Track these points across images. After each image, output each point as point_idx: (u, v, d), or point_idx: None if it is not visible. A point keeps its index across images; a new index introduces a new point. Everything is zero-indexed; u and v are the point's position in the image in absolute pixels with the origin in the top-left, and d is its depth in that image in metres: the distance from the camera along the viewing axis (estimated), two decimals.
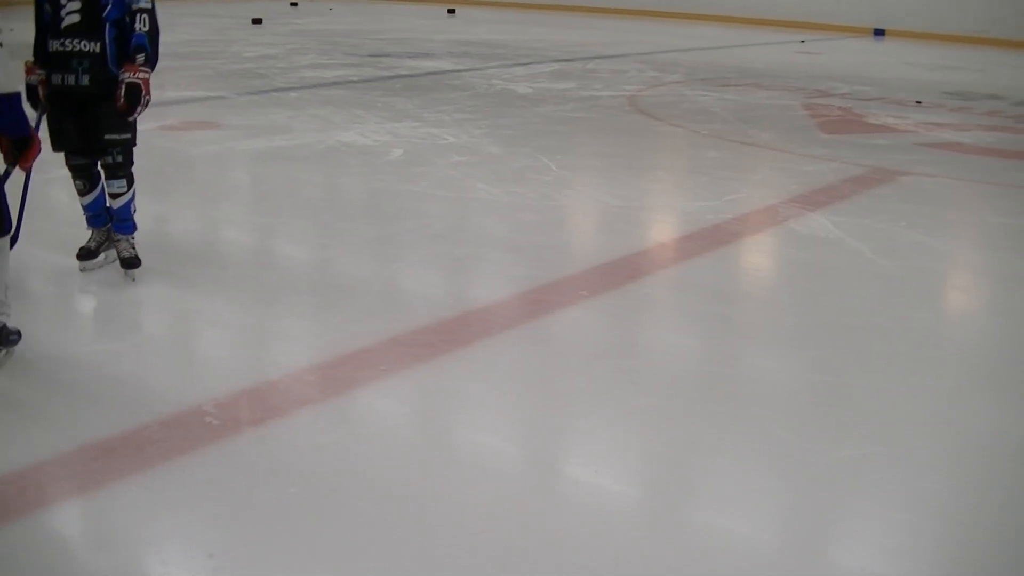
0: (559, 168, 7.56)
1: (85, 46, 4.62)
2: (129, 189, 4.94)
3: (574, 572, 2.77)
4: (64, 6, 4.60)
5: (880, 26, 23.65)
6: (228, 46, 14.92)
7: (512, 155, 7.96)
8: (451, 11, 24.25)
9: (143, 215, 5.27)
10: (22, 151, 3.87)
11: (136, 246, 5.01)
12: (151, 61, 4.71)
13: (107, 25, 4.63)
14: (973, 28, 22.45)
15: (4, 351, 3.95)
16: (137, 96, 4.63)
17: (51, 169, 5.59)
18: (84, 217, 5.06)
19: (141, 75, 4.63)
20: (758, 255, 5.96)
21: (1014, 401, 4.03)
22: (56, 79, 4.67)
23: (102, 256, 5.09)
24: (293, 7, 23.72)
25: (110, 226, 5.04)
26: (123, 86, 4.61)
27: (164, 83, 10.41)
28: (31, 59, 4.72)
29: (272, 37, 16.54)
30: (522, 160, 7.79)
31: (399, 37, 17.43)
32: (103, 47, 4.64)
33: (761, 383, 4.13)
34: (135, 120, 4.80)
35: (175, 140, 8.04)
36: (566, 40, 18.25)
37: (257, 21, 18.76)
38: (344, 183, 7.08)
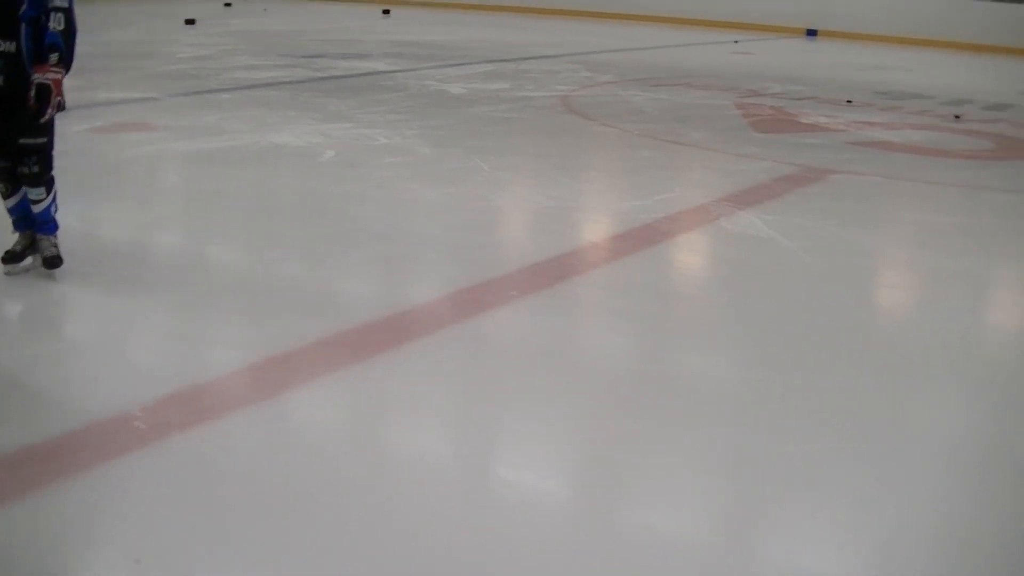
0: (492, 169, 7.56)
1: (0, 46, 4.54)
2: (48, 194, 4.84)
3: (508, 571, 2.78)
4: None
5: (813, 27, 23.84)
6: (161, 47, 14.78)
7: (445, 156, 7.95)
8: (386, 12, 24.16)
9: (72, 218, 5.22)
10: None
11: (59, 245, 4.93)
12: (65, 61, 4.62)
13: (23, 24, 4.54)
14: (903, 29, 22.68)
15: None
16: (47, 97, 4.52)
17: None
18: (10, 220, 4.97)
19: (52, 75, 4.52)
20: (690, 254, 6.00)
21: (947, 392, 4.10)
22: None
23: (28, 259, 5.00)
24: (227, 8, 23.53)
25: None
26: (34, 87, 4.53)
27: (95, 84, 10.33)
28: None
29: (205, 38, 16.42)
30: (455, 161, 7.78)
31: (333, 38, 17.36)
32: (19, 47, 4.56)
33: (695, 381, 4.15)
34: (51, 122, 4.71)
35: (106, 142, 7.95)
36: (500, 40, 18.26)
37: (190, 22, 18.60)
38: (277, 185, 7.04)
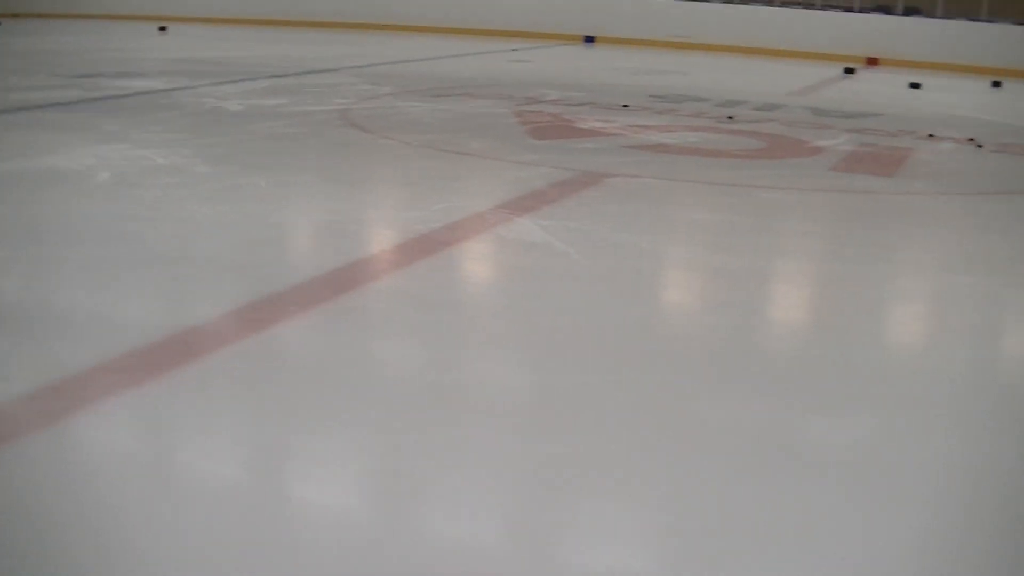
0: (270, 185, 7.49)
1: None
2: None
3: None
4: None
5: (590, 33, 24.22)
6: None
7: (224, 174, 7.86)
8: (162, 28, 23.72)
9: None
10: None
11: None
12: None
13: None
14: (675, 34, 23.22)
15: None
16: None
17: None
18: None
19: None
20: (468, 262, 6.04)
21: (729, 385, 4.20)
22: None
23: None
24: None
25: None
26: None
27: None
28: None
29: None
30: (234, 179, 7.70)
31: (108, 56, 16.99)
32: None
33: (479, 389, 4.18)
34: None
35: None
36: (279, 55, 18.11)
37: None
38: (50, 210, 6.84)
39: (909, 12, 23.66)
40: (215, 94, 12.45)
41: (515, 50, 20.81)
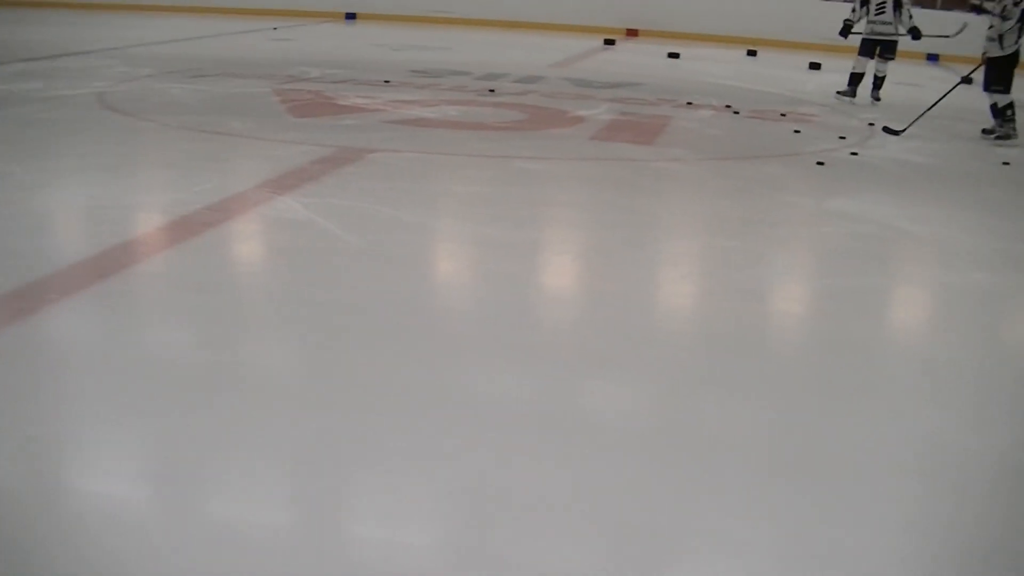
0: (25, 172, 7.27)
1: None
2: None
3: None
4: None
5: (352, 10, 24.14)
6: None
7: None
8: None
9: None
10: None
11: None
12: None
13: None
14: (434, 8, 23.34)
15: None
16: None
17: None
18: None
19: None
20: (232, 242, 6.00)
21: (497, 361, 4.28)
22: None
23: None
24: None
25: None
26: None
27: None
28: None
29: None
30: None
31: None
32: None
33: (249, 368, 4.19)
34: None
35: None
36: (31, 38, 17.51)
37: None
38: None
39: None
40: None
41: (275, 28, 20.62)
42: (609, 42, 20.67)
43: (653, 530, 3.07)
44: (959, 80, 11.81)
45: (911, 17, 13.00)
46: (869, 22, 13.10)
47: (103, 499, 3.20)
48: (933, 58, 20.31)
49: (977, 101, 11.44)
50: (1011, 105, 10.58)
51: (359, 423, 3.67)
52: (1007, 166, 9.35)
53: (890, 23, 12.98)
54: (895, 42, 13.16)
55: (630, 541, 3.01)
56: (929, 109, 10.98)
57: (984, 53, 10.58)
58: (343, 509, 3.20)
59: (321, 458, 3.44)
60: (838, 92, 13.44)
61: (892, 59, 13.28)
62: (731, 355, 4.47)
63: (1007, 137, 10.53)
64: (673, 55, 18.14)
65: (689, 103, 12.04)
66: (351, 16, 24.16)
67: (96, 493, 3.24)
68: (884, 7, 12.97)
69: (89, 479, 3.35)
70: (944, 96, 11.19)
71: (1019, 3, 10.30)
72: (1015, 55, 10.49)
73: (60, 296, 4.90)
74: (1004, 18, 10.34)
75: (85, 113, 10.00)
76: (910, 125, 10.68)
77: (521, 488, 3.27)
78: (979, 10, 11.85)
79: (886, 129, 10.72)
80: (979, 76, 10.80)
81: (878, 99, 13.22)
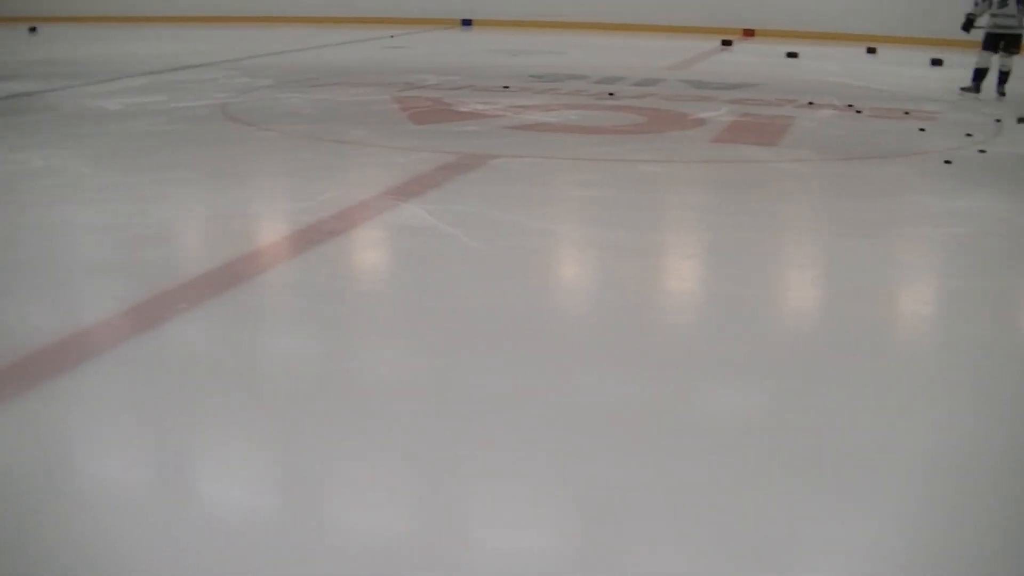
0: (152, 183, 7.37)
1: None
2: None
3: None
4: None
5: (467, 16, 24.20)
6: None
7: (104, 173, 7.70)
8: (32, 29, 23.25)
9: None
10: None
11: None
12: None
13: None
14: (552, 14, 23.30)
15: None
16: None
17: None
18: None
19: None
20: (356, 250, 6.00)
21: (619, 368, 4.20)
22: None
23: None
24: None
25: None
26: None
27: None
28: None
29: None
30: (114, 178, 7.55)
31: None
32: None
33: (376, 377, 4.15)
34: None
35: None
36: (155, 52, 17.82)
37: None
38: None
39: None
40: (92, 94, 12.23)
41: (392, 36, 20.74)
42: (726, 43, 20.48)
43: (776, 535, 2.97)
44: None
45: None
46: (992, 16, 12.81)
47: (229, 506, 3.18)
48: None
49: None
50: None
51: (480, 430, 3.61)
52: None
53: (1014, 16, 12.68)
54: (1020, 36, 12.86)
55: (755, 545, 2.91)
56: None
57: None
58: (466, 516, 3.13)
59: (443, 466, 3.39)
60: (962, 88, 13.18)
61: (1017, 53, 12.97)
62: (856, 356, 4.34)
63: None
64: (792, 54, 17.91)
65: (810, 103, 11.85)
66: (467, 22, 24.23)
67: (222, 500, 3.22)
68: (1007, 1, 12.69)
69: (216, 486, 3.34)
70: None
71: None
72: None
73: (190, 306, 4.92)
74: None
75: (208, 124, 10.11)
76: None
77: (642, 493, 3.19)
78: None
79: (1021, 120, 10.47)
80: None
81: (1003, 94, 12.90)
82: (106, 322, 4.77)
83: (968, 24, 13.15)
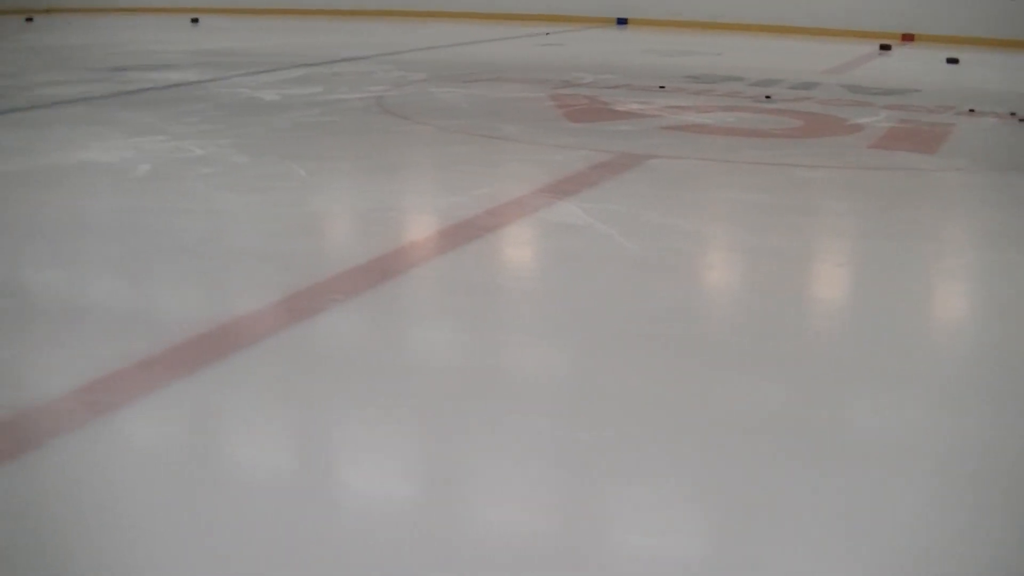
0: (308, 173, 7.47)
1: None
2: None
3: None
4: None
5: (623, 15, 24.12)
6: None
7: (260, 163, 7.82)
8: (194, 20, 23.74)
9: None
10: None
11: None
12: None
13: None
14: (707, 14, 23.13)
15: None
16: None
17: None
18: None
19: None
20: (510, 247, 6.00)
21: (769, 374, 4.13)
22: None
23: None
24: (29, 23, 22.96)
25: None
26: None
27: None
28: None
29: (5, 55, 15.99)
30: (271, 167, 7.67)
31: (141, 49, 16.96)
32: None
33: (525, 375, 4.15)
34: None
35: None
36: (311, 44, 18.09)
37: None
38: (88, 204, 6.84)
39: None
40: (249, 84, 12.44)
41: (548, 34, 20.75)
42: (885, 47, 20.12)
43: (917, 550, 2.89)
44: None
45: None
46: None
47: (357, 494, 3.20)
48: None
49: None
50: None
51: (623, 433, 3.58)
52: None
53: None
54: None
55: (893, 560, 2.84)
56: None
57: None
58: (607, 519, 3.10)
59: (584, 466, 3.36)
60: None
61: None
62: (1002, 371, 4.22)
63: None
64: (952, 60, 17.51)
65: (971, 110, 11.56)
66: (622, 21, 24.15)
67: (364, 494, 3.24)
68: None
69: (348, 475, 3.36)
70: None
71: None
72: None
73: (344, 297, 4.96)
74: None
75: (363, 117, 10.22)
76: None
77: (783, 501, 3.13)
78: None
79: None
80: None
81: None
82: (260, 311, 4.82)
83: None
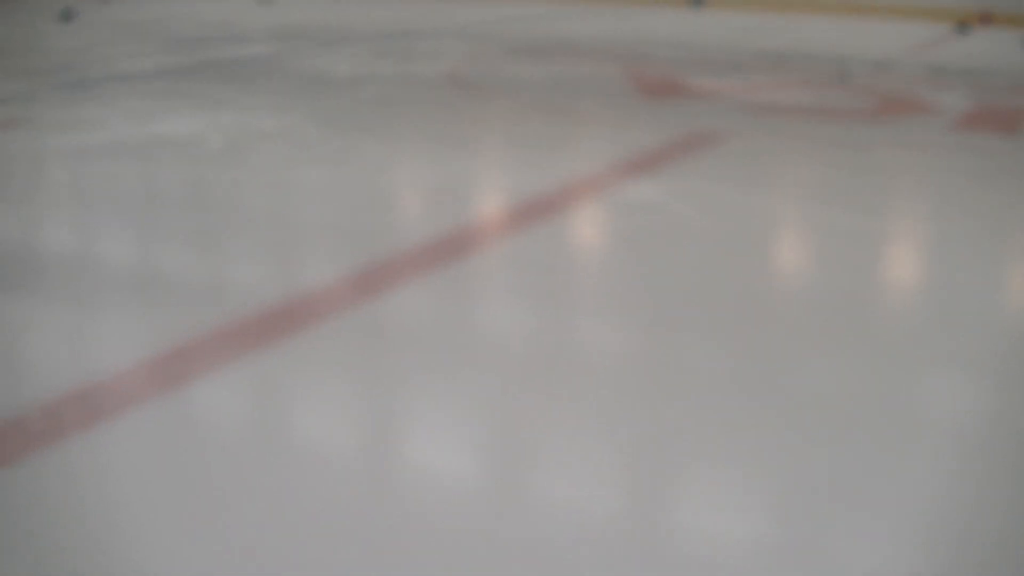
0: (381, 148, 7.45)
1: None
2: None
3: (422, 562, 2.69)
4: None
5: None
6: (35, 40, 14.45)
7: (334, 137, 7.82)
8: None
9: None
10: None
11: None
12: None
13: None
14: None
15: None
16: None
17: None
18: None
19: None
20: (584, 224, 5.95)
21: (847, 354, 4.06)
22: None
23: None
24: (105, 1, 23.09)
25: None
26: None
27: None
28: None
29: (81, 29, 16.09)
30: (343, 141, 7.66)
31: (214, 22, 17.06)
32: None
33: (600, 353, 4.11)
34: None
35: None
36: (382, 19, 18.08)
37: (66, 14, 18.22)
38: (163, 176, 6.86)
39: None
40: (321, 58, 12.44)
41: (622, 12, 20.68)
42: (964, 28, 19.84)
43: (988, 541, 2.82)
44: None
45: None
46: None
47: (429, 474, 3.17)
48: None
49: None
50: None
51: (692, 414, 3.53)
52: None
53: None
54: None
55: (963, 550, 2.77)
56: None
57: None
58: (676, 500, 3.05)
59: (652, 445, 3.33)
60: None
61: None
62: None
63: None
64: None
65: None
66: (698, 2, 23.97)
67: (431, 468, 3.22)
68: None
69: (425, 453, 3.34)
70: None
71: None
72: None
73: (418, 273, 4.93)
74: None
75: (435, 91, 10.19)
76: None
77: (846, 485, 3.06)
78: None
79: None
80: None
81: None
82: (332, 286, 4.80)
83: None
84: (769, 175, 7.01)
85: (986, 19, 22.08)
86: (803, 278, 5.20)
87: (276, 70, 11.47)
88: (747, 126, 8.51)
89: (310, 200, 6.18)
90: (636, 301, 4.65)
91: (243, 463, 3.20)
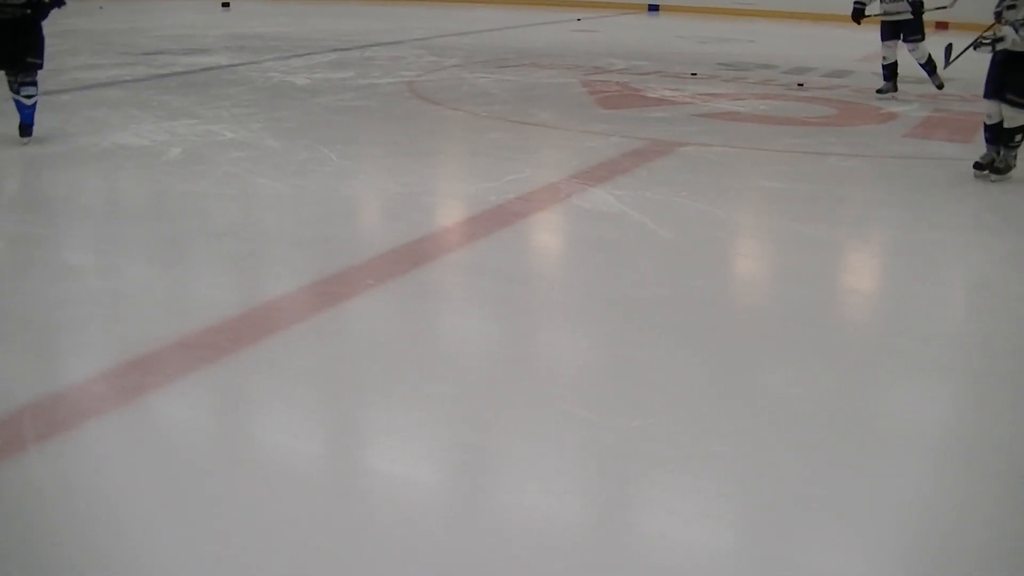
0: (340, 158, 7.47)
1: None
2: None
3: (382, 569, 2.72)
4: None
5: (655, 1, 24.07)
6: None
7: (292, 148, 7.82)
8: (225, 5, 23.69)
9: None
10: None
11: None
12: None
13: None
14: (740, 1, 23.03)
15: None
16: None
17: None
18: None
19: None
20: (542, 233, 5.99)
21: (801, 363, 4.12)
22: None
23: None
24: (62, 7, 22.92)
25: None
26: None
27: None
28: None
29: None
30: (303, 152, 7.66)
31: (173, 33, 16.98)
32: None
33: (553, 361, 4.15)
34: None
35: None
36: (343, 29, 18.09)
37: None
38: (122, 186, 6.86)
39: None
40: (281, 69, 12.45)
41: (579, 20, 20.72)
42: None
43: (964, 546, 2.87)
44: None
45: None
46: (881, 3, 11.45)
47: (392, 481, 3.20)
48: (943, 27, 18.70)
49: None
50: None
51: (661, 422, 3.57)
52: None
53: (900, 0, 11.23)
54: (914, 21, 11.41)
55: (932, 551, 2.82)
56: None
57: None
58: (640, 508, 3.10)
59: (617, 454, 3.36)
60: (878, 91, 11.62)
61: (920, 40, 11.59)
62: None
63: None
64: (980, 42, 17.28)
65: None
66: (654, 8, 24.11)
67: (387, 475, 3.25)
68: None
69: (380, 461, 3.37)
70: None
71: None
72: None
73: (376, 282, 4.96)
74: None
75: (395, 101, 10.22)
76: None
77: (816, 490, 3.12)
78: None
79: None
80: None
81: (941, 86, 11.73)
82: (290, 296, 4.82)
83: (857, 14, 11.84)
84: (726, 184, 7.07)
85: (942, 26, 22.24)
86: (759, 286, 5.26)
87: (235, 80, 11.45)
88: (705, 135, 8.59)
89: (271, 210, 6.21)
90: (593, 309, 4.69)
91: (206, 468, 3.22)
